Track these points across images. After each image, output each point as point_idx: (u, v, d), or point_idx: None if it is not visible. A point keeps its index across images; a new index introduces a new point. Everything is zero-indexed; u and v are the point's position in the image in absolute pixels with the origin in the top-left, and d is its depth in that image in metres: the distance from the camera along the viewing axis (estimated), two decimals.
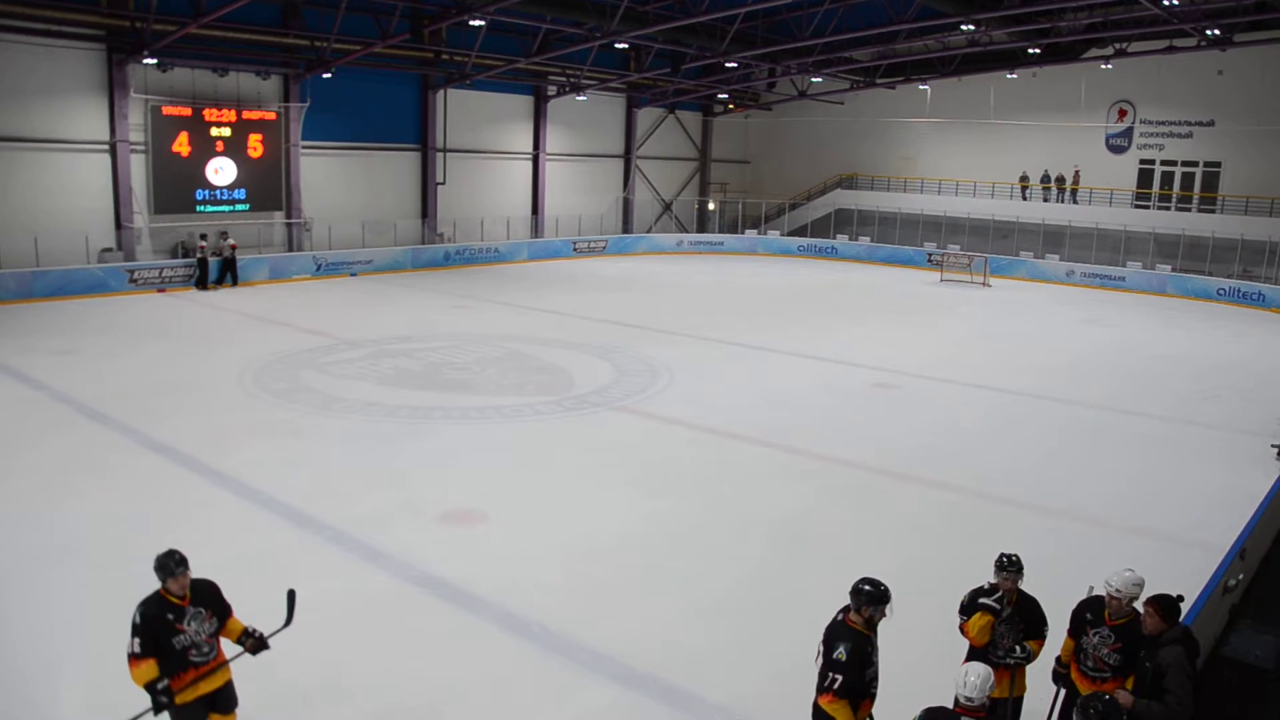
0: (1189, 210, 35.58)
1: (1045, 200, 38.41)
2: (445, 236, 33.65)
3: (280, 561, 9.22)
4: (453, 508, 10.84)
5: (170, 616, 5.43)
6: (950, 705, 4.89)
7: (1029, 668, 6.22)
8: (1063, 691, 6.18)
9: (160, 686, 5.30)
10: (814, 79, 38.14)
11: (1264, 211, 33.23)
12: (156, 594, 5.49)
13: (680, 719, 7.04)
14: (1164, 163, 36.54)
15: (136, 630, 5.35)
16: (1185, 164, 36.13)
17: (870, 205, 41.54)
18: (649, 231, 42.13)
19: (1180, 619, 5.69)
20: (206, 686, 5.58)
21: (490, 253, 34.25)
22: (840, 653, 5.41)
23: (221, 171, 27.61)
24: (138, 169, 25.95)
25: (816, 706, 5.66)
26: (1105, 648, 5.89)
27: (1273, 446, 14.03)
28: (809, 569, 9.38)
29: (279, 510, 10.63)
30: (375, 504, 10.91)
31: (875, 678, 5.60)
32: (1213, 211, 34.91)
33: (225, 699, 5.74)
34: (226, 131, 27.53)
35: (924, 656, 6.80)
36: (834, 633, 5.53)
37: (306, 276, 28.62)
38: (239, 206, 28.21)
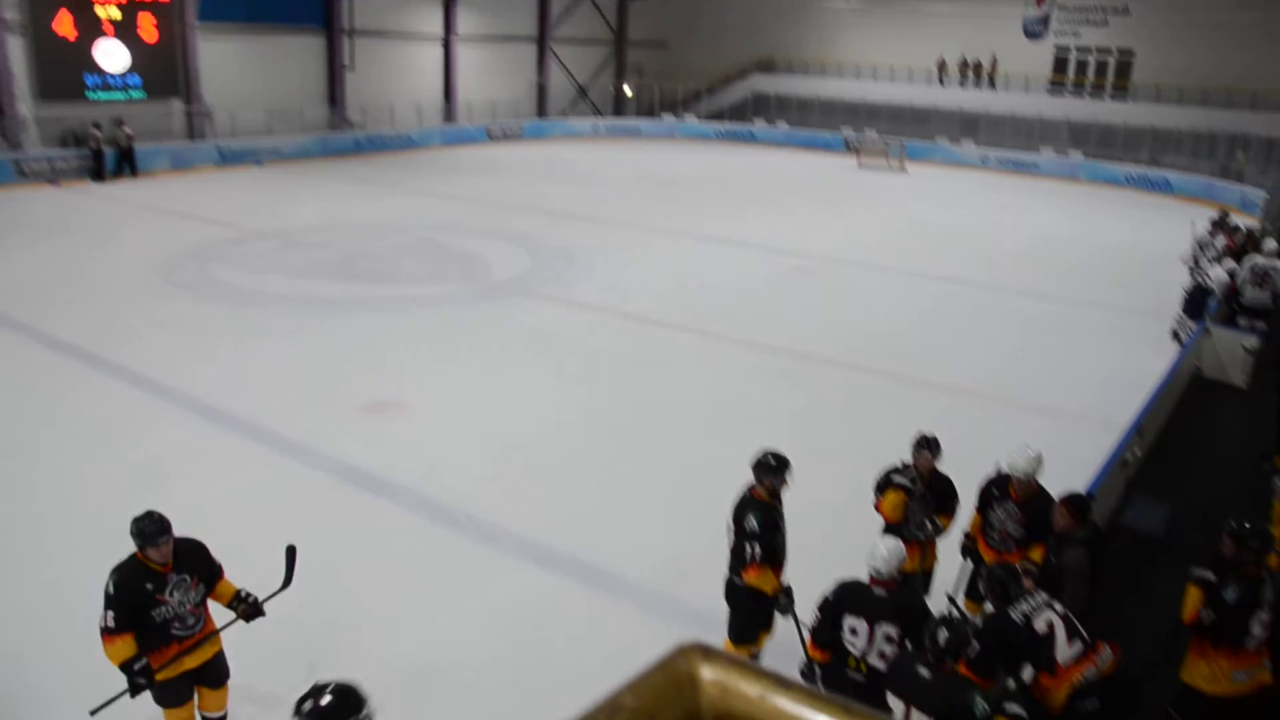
0: (1101, 98, 36.01)
1: (962, 87, 38.49)
2: (355, 124, 32.55)
3: (195, 459, 9.08)
4: (372, 399, 10.73)
5: (150, 586, 4.76)
6: (864, 579, 5.06)
7: (940, 542, 6.45)
8: (971, 563, 6.44)
9: (138, 666, 4.70)
10: None
11: (1174, 100, 33.72)
12: (132, 559, 4.79)
13: (601, 597, 7.19)
14: (1079, 50, 36.76)
15: (110, 602, 4.69)
16: (1100, 52, 36.41)
17: (788, 90, 41.15)
18: (564, 116, 41.23)
19: (1089, 517, 5.91)
20: (192, 661, 4.96)
21: (402, 140, 33.22)
22: (750, 521, 5.59)
23: (112, 55, 26.10)
24: (16, 52, 24.29)
25: (731, 585, 5.82)
26: (1010, 521, 6.13)
27: (1170, 327, 14.52)
28: (725, 449, 9.51)
29: (191, 407, 10.40)
30: (293, 398, 10.75)
31: (783, 546, 5.81)
32: (1125, 100, 35.37)
33: (215, 672, 5.14)
34: (115, 13, 25.93)
35: (839, 533, 6.98)
36: (742, 506, 5.73)
37: (210, 166, 27.42)
38: (134, 93, 26.76)
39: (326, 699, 3.46)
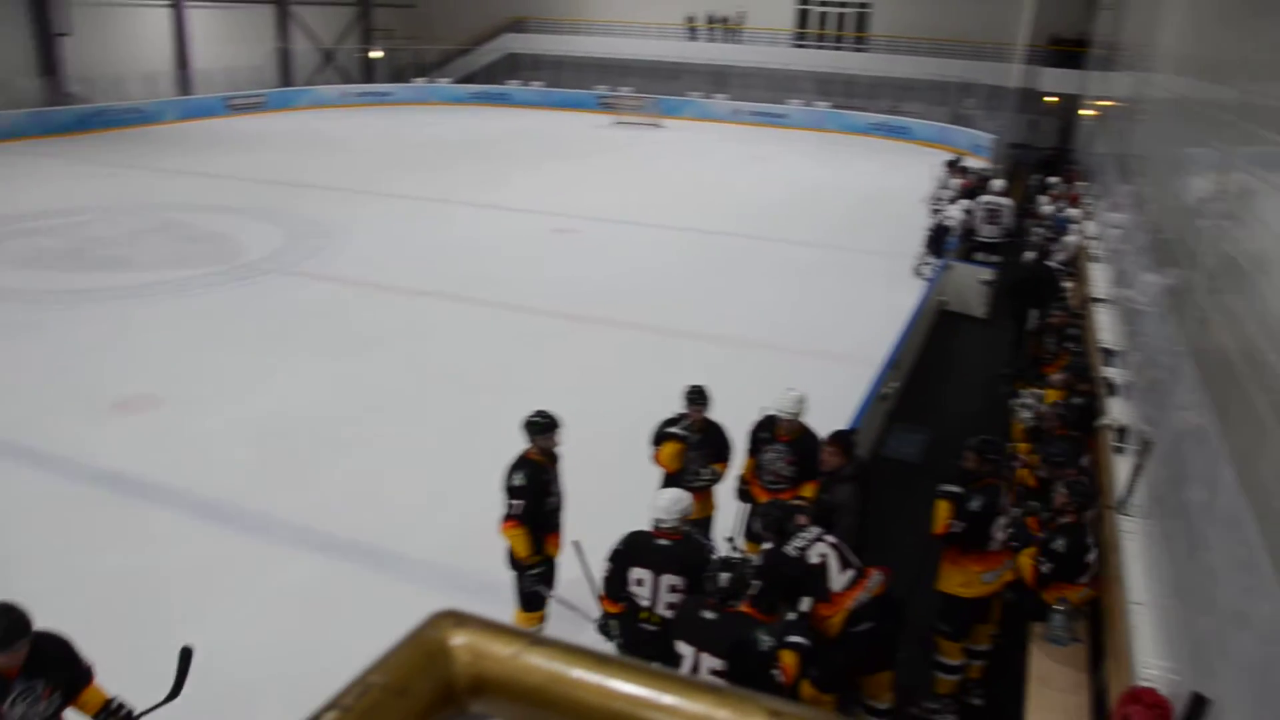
0: (843, 49, 37.72)
1: (711, 41, 39.37)
2: (78, 96, 29.85)
3: None
4: (126, 397, 9.87)
5: None
6: (649, 529, 5.09)
7: (718, 487, 6.59)
8: (747, 506, 6.62)
9: None
10: None
11: (908, 51, 35.73)
12: None
13: (385, 578, 6.95)
14: (820, 3, 38.30)
15: None
16: (839, 5, 38.05)
17: (542, 49, 40.87)
18: (310, 84, 39.24)
19: (855, 452, 6.18)
20: None
21: (133, 114, 30.65)
22: (517, 479, 5.56)
23: None
24: None
25: (510, 551, 5.75)
26: (781, 461, 6.33)
27: (915, 265, 15.43)
28: (500, 416, 9.40)
29: None
30: (36, 402, 9.77)
31: (557, 509, 5.80)
32: (864, 50, 37.19)
33: None
34: None
35: (623, 486, 7.02)
36: (513, 465, 5.66)
37: None
38: None
39: None
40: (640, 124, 34.43)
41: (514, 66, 41.33)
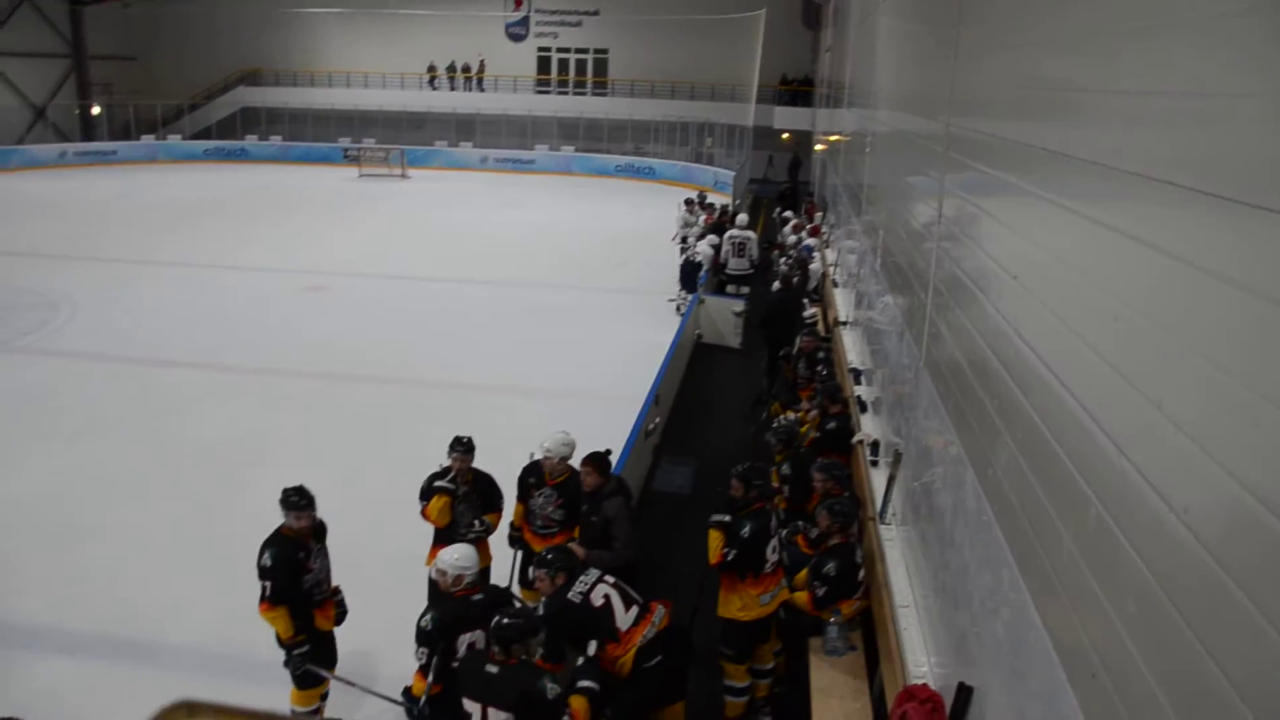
0: (584, 94, 38.60)
1: (454, 89, 39.36)
2: None
3: None
4: None
5: None
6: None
7: (491, 538, 6.49)
8: (519, 553, 6.56)
9: None
10: None
11: (647, 94, 36.99)
12: None
13: (143, 672, 6.40)
14: (559, 50, 39.11)
15: None
16: (578, 51, 39.01)
17: (279, 102, 39.61)
18: (20, 144, 35.96)
19: (612, 470, 6.26)
20: None
21: None
22: (265, 559, 5.33)
23: None
24: None
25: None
26: (550, 506, 6.32)
27: (669, 301, 15.89)
28: (259, 488, 8.95)
29: None
30: None
31: (321, 582, 5.59)
32: (605, 95, 38.19)
33: None
34: None
35: (396, 545, 6.80)
36: (265, 543, 5.41)
37: None
38: None
39: None
40: (387, 176, 33.90)
41: (251, 121, 39.77)
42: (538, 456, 6.39)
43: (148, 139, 38.20)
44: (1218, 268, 1.84)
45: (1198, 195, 1.91)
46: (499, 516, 6.46)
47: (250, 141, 38.64)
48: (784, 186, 28.82)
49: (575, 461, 6.33)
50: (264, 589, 5.30)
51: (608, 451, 6.41)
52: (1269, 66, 1.72)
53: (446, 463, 6.29)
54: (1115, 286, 2.43)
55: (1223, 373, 1.78)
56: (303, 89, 39.93)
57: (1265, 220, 1.63)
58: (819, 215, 19.42)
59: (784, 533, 5.96)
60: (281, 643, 5.44)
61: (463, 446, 6.29)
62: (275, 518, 5.50)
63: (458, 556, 5.01)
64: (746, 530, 5.54)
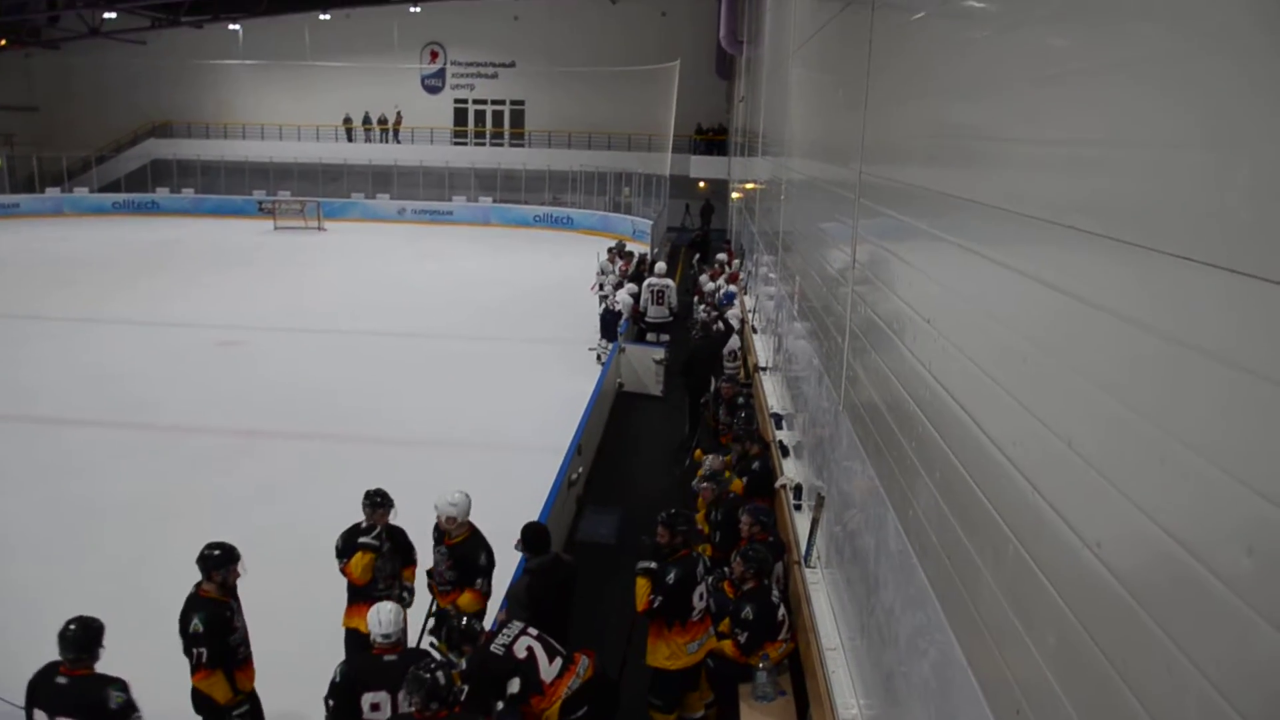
0: (502, 145, 38.75)
1: (369, 141, 39.20)
2: None
3: None
4: None
5: None
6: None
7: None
8: (432, 604, 6.44)
9: None
10: (107, 14, 34.24)
11: (564, 144, 37.24)
12: None
13: None
14: (476, 102, 39.27)
15: None
16: (494, 103, 39.23)
17: (190, 154, 38.98)
18: None
19: (543, 546, 6.14)
20: None
21: None
22: (195, 625, 5.15)
23: None
24: None
25: (195, 689, 5.27)
26: (443, 565, 6.18)
27: (590, 350, 15.91)
28: (173, 551, 8.67)
29: None
30: None
31: (244, 642, 5.40)
32: (521, 146, 38.37)
33: None
34: None
35: (311, 602, 6.63)
36: (187, 608, 5.24)
37: None
38: None
39: None
40: (304, 228, 33.53)
41: (162, 173, 39.02)
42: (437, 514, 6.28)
43: (53, 191, 37.20)
44: (1119, 308, 1.90)
45: (1098, 238, 1.98)
46: (413, 571, 6.37)
47: (161, 194, 37.89)
48: (696, 234, 29.18)
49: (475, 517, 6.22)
50: (199, 655, 5.14)
51: (540, 525, 6.36)
52: (1152, 118, 1.80)
53: (361, 518, 6.17)
54: (1023, 327, 2.49)
55: (1129, 409, 1.83)
56: (215, 141, 39.39)
57: (1162, 262, 1.69)
58: (736, 262, 19.66)
59: (710, 579, 5.95)
60: (216, 708, 5.26)
61: (381, 499, 6.18)
62: (183, 582, 5.33)
63: (382, 617, 4.92)
64: (672, 576, 5.52)
